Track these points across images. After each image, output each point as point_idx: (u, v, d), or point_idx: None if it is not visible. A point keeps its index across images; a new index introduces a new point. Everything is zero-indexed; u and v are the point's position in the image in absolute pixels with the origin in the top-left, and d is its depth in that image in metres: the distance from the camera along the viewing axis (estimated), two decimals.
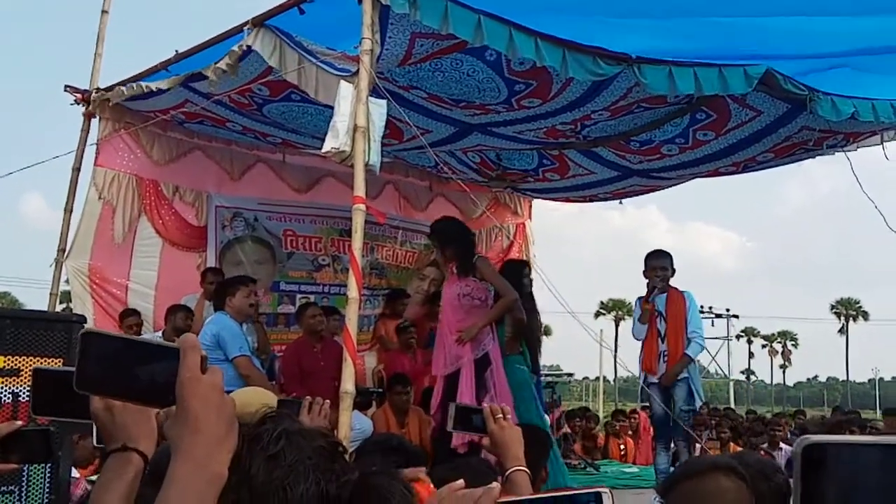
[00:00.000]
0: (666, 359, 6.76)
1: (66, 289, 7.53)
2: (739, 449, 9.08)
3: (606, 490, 1.25)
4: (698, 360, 7.19)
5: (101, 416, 1.46)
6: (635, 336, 6.97)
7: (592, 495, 1.24)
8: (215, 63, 5.52)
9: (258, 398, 3.18)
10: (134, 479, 1.42)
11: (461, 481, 1.38)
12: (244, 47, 5.27)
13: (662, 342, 6.78)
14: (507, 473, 2.15)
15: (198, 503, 1.12)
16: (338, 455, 1.28)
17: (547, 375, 10.02)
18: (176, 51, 6.28)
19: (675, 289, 6.91)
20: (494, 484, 1.24)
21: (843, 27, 5.54)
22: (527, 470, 2.16)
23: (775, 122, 6.45)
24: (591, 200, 9.65)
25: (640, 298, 7.00)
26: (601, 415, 15.57)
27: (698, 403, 7.00)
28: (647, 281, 6.96)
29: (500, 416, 2.26)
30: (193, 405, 1.17)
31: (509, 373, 6.06)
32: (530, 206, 10.37)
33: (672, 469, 6.27)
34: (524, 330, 6.36)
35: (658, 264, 6.93)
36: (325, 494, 1.21)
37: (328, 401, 2.97)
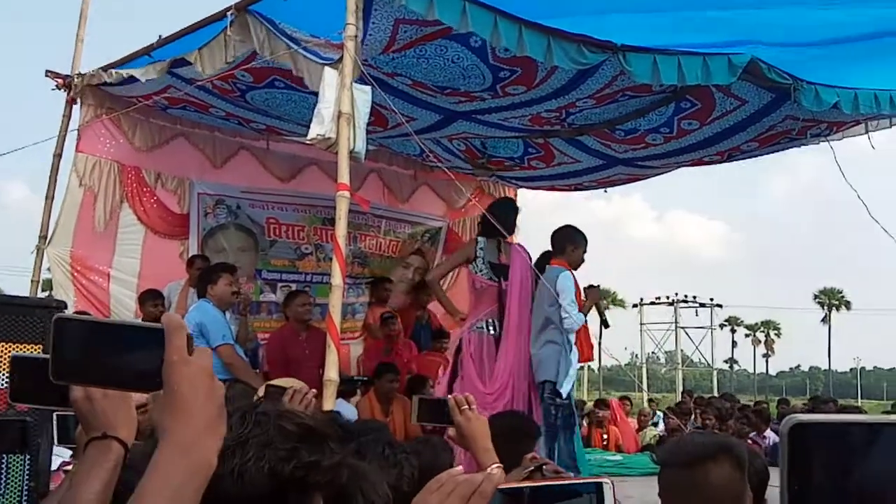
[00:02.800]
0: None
1: (49, 276, 7.49)
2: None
3: (608, 480, 1.25)
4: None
5: (80, 403, 1.43)
6: (574, 328, 6.17)
7: (593, 485, 1.24)
8: (199, 49, 5.48)
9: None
10: (114, 468, 1.39)
11: (460, 467, 1.37)
12: (228, 35, 5.24)
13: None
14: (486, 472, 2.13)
15: (181, 491, 1.07)
16: (309, 438, 1.24)
17: None
18: (160, 36, 6.22)
19: None
20: (496, 469, 1.24)
21: (825, 16, 5.57)
22: (501, 466, 2.12)
23: (759, 112, 6.46)
24: (576, 189, 9.66)
25: (570, 276, 6.25)
26: (587, 403, 15.64)
27: None
28: (567, 259, 6.34)
29: (466, 406, 2.23)
30: (182, 389, 1.11)
31: None
32: (516, 195, 10.35)
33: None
34: None
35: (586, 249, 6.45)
36: (272, 473, 1.17)
37: (313, 389, 2.95)
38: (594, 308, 6.50)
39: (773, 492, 2.50)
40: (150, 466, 1.08)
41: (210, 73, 5.64)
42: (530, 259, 6.52)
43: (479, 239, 6.68)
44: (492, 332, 6.34)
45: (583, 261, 6.41)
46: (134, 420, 1.46)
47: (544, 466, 2.30)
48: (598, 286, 6.53)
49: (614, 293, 59.74)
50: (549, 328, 6.15)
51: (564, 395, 6.17)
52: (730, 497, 2.02)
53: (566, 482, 1.32)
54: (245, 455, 1.18)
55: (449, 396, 2.29)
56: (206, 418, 1.12)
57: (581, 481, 1.28)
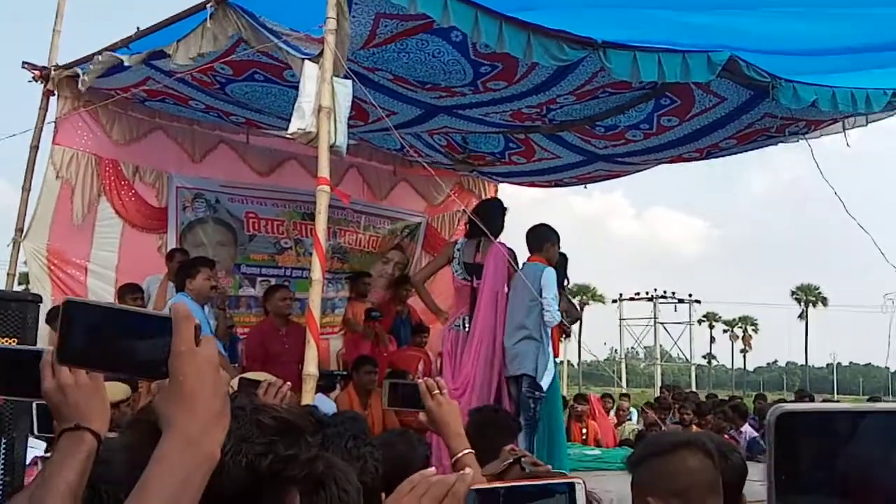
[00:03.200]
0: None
1: (25, 270, 7.41)
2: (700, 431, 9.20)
3: (580, 480, 1.26)
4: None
5: (52, 395, 1.43)
6: (553, 321, 6.19)
7: (566, 485, 1.25)
8: (177, 41, 5.44)
9: None
10: (87, 459, 1.39)
11: (433, 469, 1.38)
12: (207, 27, 5.20)
13: None
14: (455, 458, 2.12)
15: (186, 483, 1.06)
16: (285, 431, 1.24)
17: None
18: (137, 28, 6.17)
19: None
20: (468, 470, 1.24)
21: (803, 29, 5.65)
22: (473, 452, 2.14)
23: (738, 109, 6.51)
24: (556, 185, 9.68)
25: (552, 271, 6.28)
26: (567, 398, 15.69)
27: None
28: (545, 257, 6.35)
29: (437, 391, 2.23)
30: (189, 380, 1.11)
31: None
32: (495, 191, 10.36)
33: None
34: None
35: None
36: (251, 468, 1.17)
37: (288, 383, 2.94)
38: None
39: (752, 486, 2.53)
40: (153, 458, 1.07)
41: (188, 66, 5.60)
42: (514, 257, 6.54)
43: (458, 241, 6.79)
44: (465, 329, 6.41)
45: (556, 258, 6.46)
46: (107, 411, 1.46)
47: (522, 459, 2.31)
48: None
49: (594, 289, 60.01)
50: (528, 323, 6.16)
51: (545, 389, 6.17)
52: (706, 483, 2.05)
53: (539, 483, 1.33)
54: (223, 449, 1.17)
55: (420, 381, 2.28)
56: (212, 410, 1.12)
57: (554, 481, 1.29)
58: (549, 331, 6.18)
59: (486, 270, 6.37)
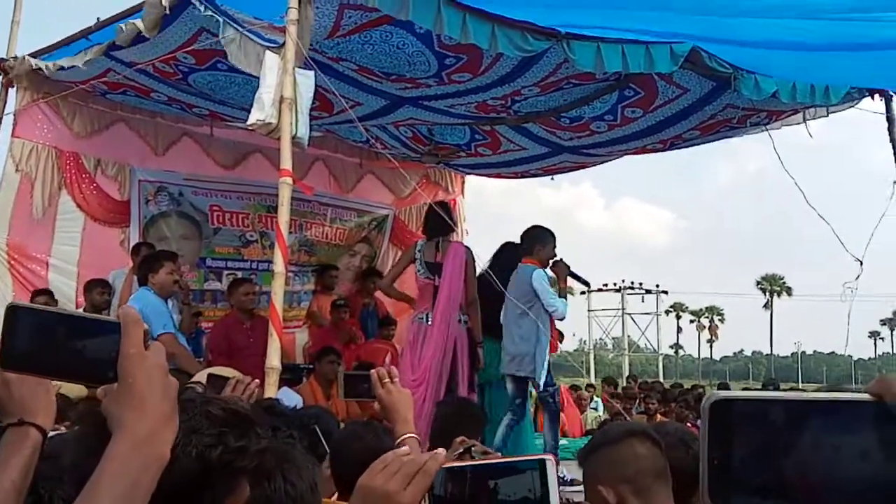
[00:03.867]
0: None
1: None
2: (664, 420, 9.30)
3: (550, 457, 1.26)
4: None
5: None
6: (563, 315, 6.53)
7: (536, 462, 1.25)
8: (130, 21, 5.37)
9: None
10: (32, 454, 1.38)
11: (407, 447, 1.39)
12: (166, 10, 5.13)
13: None
14: (398, 440, 2.17)
15: (136, 484, 1.06)
16: (235, 423, 1.23)
17: None
18: (98, 18, 6.08)
19: None
20: (440, 450, 1.25)
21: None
22: (417, 436, 2.19)
23: (701, 100, 6.56)
24: (522, 177, 9.70)
25: (543, 272, 6.51)
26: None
27: None
28: (537, 258, 6.56)
29: (388, 380, 2.28)
30: (138, 382, 1.11)
31: None
32: (463, 183, 10.38)
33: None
34: None
35: (556, 245, 6.72)
36: (200, 459, 1.17)
37: (256, 380, 2.92)
38: (571, 277, 6.73)
39: None
40: (104, 459, 1.07)
41: (150, 56, 5.52)
42: (471, 255, 6.79)
43: (418, 242, 7.10)
44: (428, 322, 6.64)
45: (553, 256, 6.64)
46: (52, 406, 1.44)
47: (473, 448, 2.34)
48: (562, 258, 6.72)
49: None
50: (523, 324, 6.40)
51: (542, 386, 6.46)
52: (653, 469, 2.11)
53: (509, 460, 1.33)
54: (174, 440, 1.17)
55: (371, 371, 2.32)
56: (162, 412, 1.12)
57: (523, 458, 1.29)
58: (548, 329, 6.41)
59: (445, 269, 6.64)
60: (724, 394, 0.87)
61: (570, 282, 6.85)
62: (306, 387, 7.09)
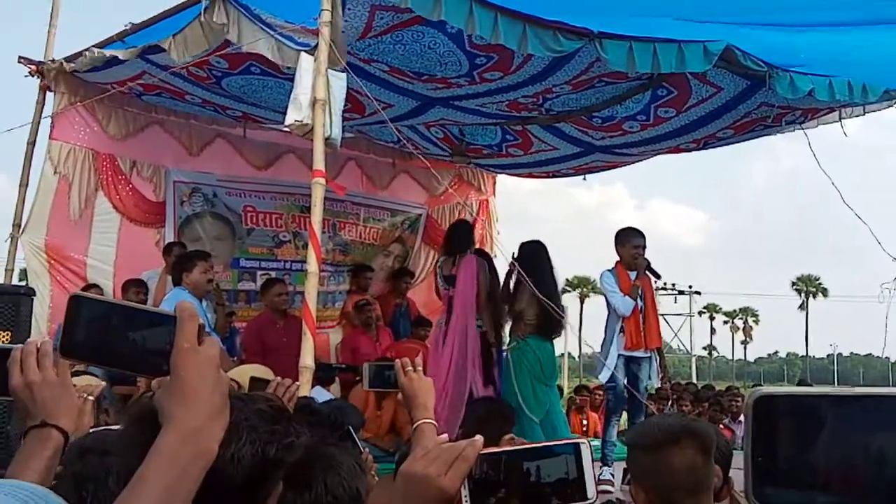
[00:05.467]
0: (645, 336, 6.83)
1: (24, 266, 7.42)
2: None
3: (585, 441, 1.27)
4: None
5: (19, 392, 1.43)
6: (622, 311, 6.69)
7: (571, 446, 1.26)
8: (174, 35, 5.43)
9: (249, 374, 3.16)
10: (53, 456, 1.40)
11: (445, 435, 1.41)
12: (202, 21, 5.18)
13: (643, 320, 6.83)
14: (415, 424, 2.18)
15: (182, 477, 1.07)
16: (282, 419, 1.26)
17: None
18: (130, 23, 6.16)
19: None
20: (478, 436, 1.26)
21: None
22: (433, 422, 2.19)
23: (735, 99, 6.49)
24: (553, 176, 9.67)
25: (610, 272, 6.79)
26: (566, 390, 15.69)
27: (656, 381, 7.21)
28: (620, 257, 6.81)
29: (410, 368, 2.29)
30: (190, 376, 1.13)
31: None
32: (494, 183, 10.38)
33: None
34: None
35: (641, 243, 6.88)
36: (262, 456, 1.20)
37: (297, 382, 2.95)
38: (647, 272, 6.86)
39: (739, 474, 2.54)
40: (152, 451, 1.08)
41: (184, 61, 5.59)
42: (483, 265, 7.13)
43: (439, 259, 7.66)
44: (443, 326, 7.17)
45: (635, 256, 6.77)
46: (75, 408, 1.46)
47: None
48: (644, 257, 6.85)
49: (595, 281, 59.97)
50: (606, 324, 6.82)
51: (605, 382, 6.84)
52: (692, 482, 2.00)
53: (543, 445, 1.34)
54: (240, 441, 1.20)
55: (396, 360, 2.34)
56: (212, 406, 1.13)
57: (558, 443, 1.30)
58: (619, 328, 6.66)
59: (458, 280, 7.07)
60: (767, 390, 0.87)
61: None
62: (359, 391, 7.18)
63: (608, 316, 6.76)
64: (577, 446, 1.26)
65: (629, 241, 6.82)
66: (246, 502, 1.23)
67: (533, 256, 6.95)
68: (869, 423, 0.84)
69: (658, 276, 7.46)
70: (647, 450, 2.08)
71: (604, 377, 6.71)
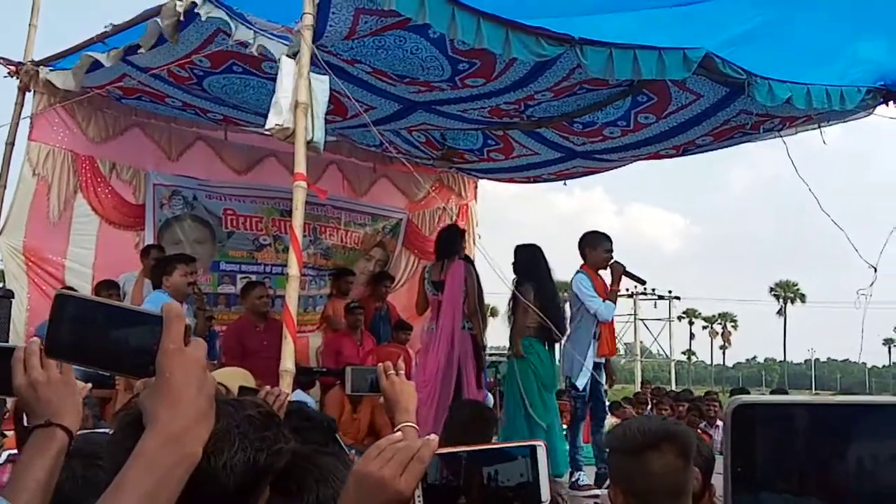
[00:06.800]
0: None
1: (1, 268, 7.35)
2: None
3: (541, 443, 1.27)
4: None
5: (23, 391, 1.43)
6: (605, 316, 6.73)
7: (527, 448, 1.26)
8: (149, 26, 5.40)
9: (236, 378, 3.15)
10: (57, 455, 1.39)
11: (400, 434, 1.40)
12: (180, 16, 5.16)
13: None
14: (397, 428, 2.17)
15: (164, 480, 1.05)
16: (271, 425, 1.26)
17: (491, 355, 10.07)
18: (111, 24, 6.12)
19: None
20: (433, 436, 1.26)
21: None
22: (415, 425, 2.18)
23: (714, 106, 6.53)
24: (534, 181, 9.69)
25: (584, 274, 6.78)
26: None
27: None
28: (588, 260, 6.86)
29: (392, 372, 2.29)
30: (175, 377, 1.11)
31: None
32: (475, 188, 10.39)
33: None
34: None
35: (611, 247, 6.94)
36: (253, 463, 1.20)
37: (286, 391, 2.94)
38: (627, 276, 6.95)
39: (719, 479, 2.55)
40: (135, 452, 1.07)
41: (166, 60, 5.56)
42: (469, 271, 7.30)
43: (427, 265, 7.85)
44: (432, 329, 7.29)
45: (605, 259, 6.86)
46: (79, 408, 1.46)
47: None
48: (618, 261, 6.91)
49: None
50: (573, 327, 6.83)
51: (581, 388, 6.75)
52: (672, 485, 2.01)
53: (501, 446, 1.35)
54: (232, 448, 1.19)
55: (378, 364, 2.34)
56: (198, 409, 1.12)
57: (516, 445, 1.30)
58: (594, 333, 6.73)
59: (446, 286, 7.20)
60: (746, 398, 0.86)
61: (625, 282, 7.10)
62: (336, 393, 7.18)
63: (579, 320, 6.72)
64: (533, 448, 1.26)
65: (600, 244, 6.89)
66: None
67: (530, 261, 7.00)
68: (850, 432, 0.84)
69: (643, 282, 7.56)
70: (626, 453, 2.08)
71: (581, 383, 6.71)
